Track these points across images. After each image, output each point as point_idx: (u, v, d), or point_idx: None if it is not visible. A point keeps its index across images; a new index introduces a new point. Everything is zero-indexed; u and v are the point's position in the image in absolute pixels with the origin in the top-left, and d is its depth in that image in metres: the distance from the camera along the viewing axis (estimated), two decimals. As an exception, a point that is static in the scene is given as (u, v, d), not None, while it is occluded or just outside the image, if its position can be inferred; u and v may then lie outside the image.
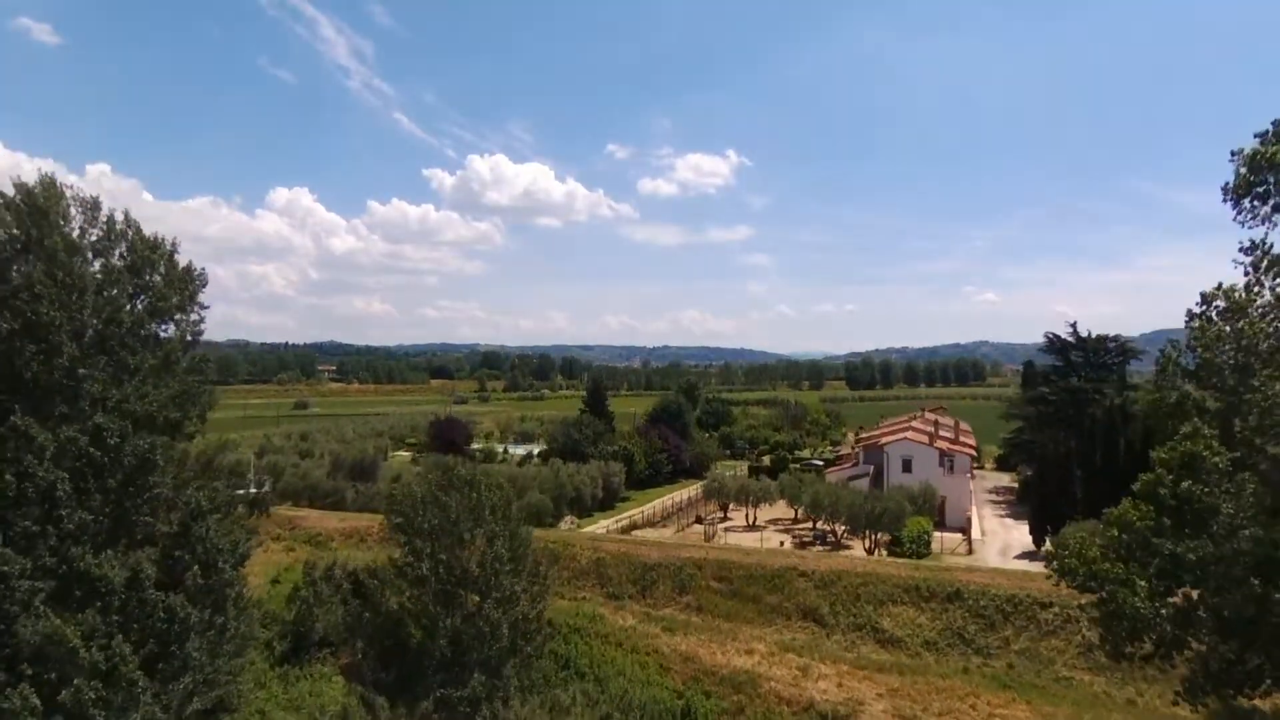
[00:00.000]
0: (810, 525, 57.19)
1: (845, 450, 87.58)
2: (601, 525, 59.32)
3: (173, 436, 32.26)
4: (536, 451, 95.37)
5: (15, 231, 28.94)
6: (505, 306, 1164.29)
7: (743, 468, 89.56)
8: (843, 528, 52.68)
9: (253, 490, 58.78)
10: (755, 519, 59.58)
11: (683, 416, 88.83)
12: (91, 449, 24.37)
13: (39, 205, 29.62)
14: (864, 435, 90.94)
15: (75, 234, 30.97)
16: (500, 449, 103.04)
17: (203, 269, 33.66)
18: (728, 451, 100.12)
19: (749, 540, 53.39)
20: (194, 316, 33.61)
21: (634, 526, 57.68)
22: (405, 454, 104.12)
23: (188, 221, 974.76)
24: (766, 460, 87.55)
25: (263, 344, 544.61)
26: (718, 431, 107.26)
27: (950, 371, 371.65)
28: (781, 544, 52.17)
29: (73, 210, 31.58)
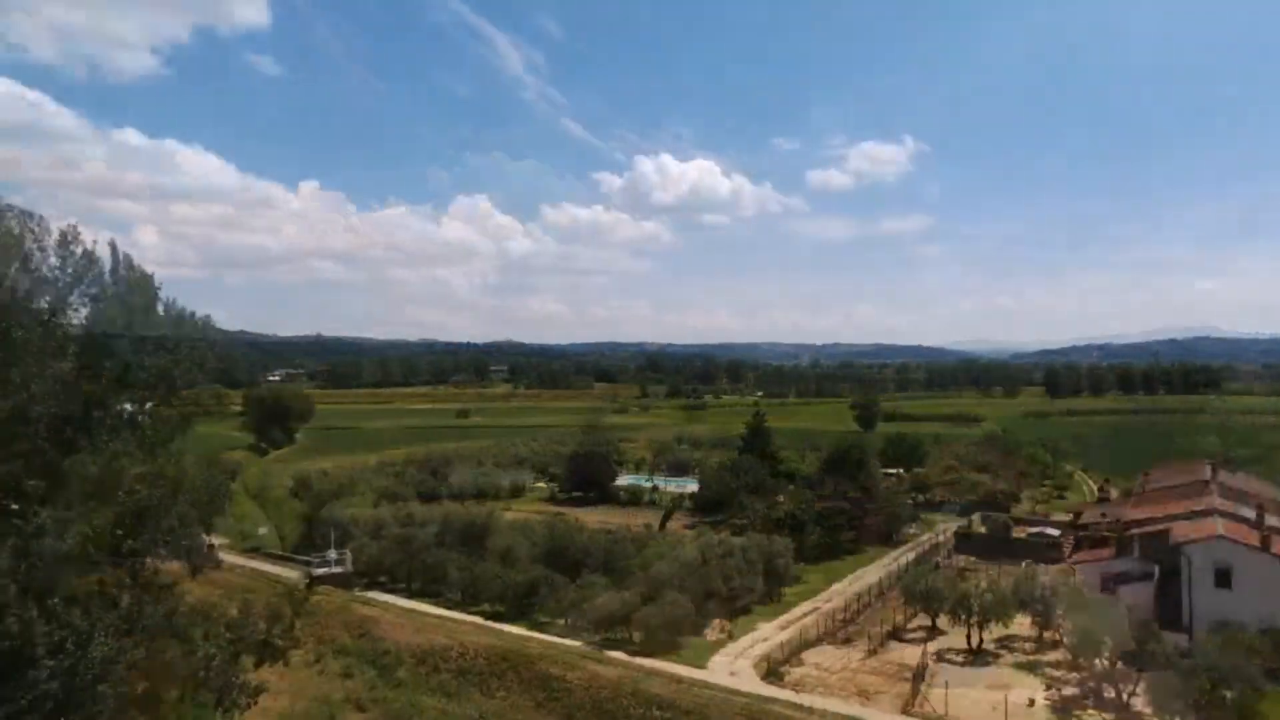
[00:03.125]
0: (1062, 655, 39.41)
1: (1084, 510, 66.89)
2: (762, 632, 44.46)
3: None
4: (690, 492, 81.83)
5: None
6: (672, 304, 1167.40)
7: (942, 524, 71.24)
8: (1136, 693, 34.56)
9: (335, 569, 49.23)
10: (981, 640, 42.23)
11: (865, 466, 71.57)
12: None
13: None
14: (1110, 496, 69.57)
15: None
16: (649, 484, 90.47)
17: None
18: (922, 499, 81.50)
19: (977, 686, 36.58)
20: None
21: (805, 644, 42.21)
22: (543, 486, 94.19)
23: (384, 230, 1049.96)
24: (977, 521, 68.54)
25: (447, 343, 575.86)
26: (908, 472, 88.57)
27: (1175, 377, 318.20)
28: (1031, 703, 34.92)
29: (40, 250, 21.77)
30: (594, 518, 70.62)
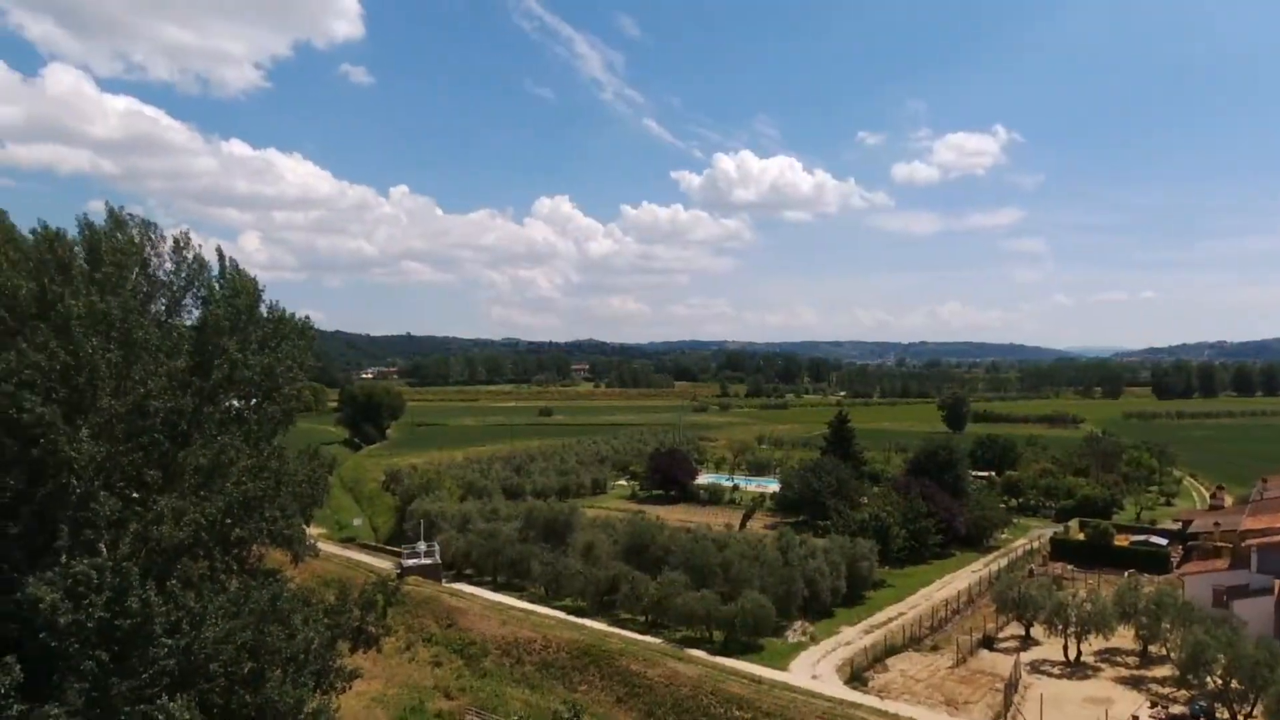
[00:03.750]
0: (1170, 671, 37.21)
1: (1195, 518, 62.89)
2: (844, 635, 43.61)
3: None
4: (770, 492, 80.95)
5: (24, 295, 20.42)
6: (753, 303, 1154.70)
7: (1036, 529, 68.29)
8: (1254, 714, 32.38)
9: (424, 561, 50.87)
10: (1079, 652, 40.28)
11: (954, 466, 69.13)
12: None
13: (60, 258, 21.19)
14: (1224, 503, 65.30)
15: (137, 285, 22.72)
16: (729, 484, 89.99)
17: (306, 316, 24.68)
18: (1014, 503, 78.29)
19: (1075, 700, 34.98)
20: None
21: (890, 649, 41.20)
22: (625, 485, 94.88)
23: (470, 231, 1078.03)
24: (1074, 527, 65.40)
25: (530, 343, 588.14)
26: (999, 475, 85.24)
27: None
28: (1134, 720, 33.15)
29: (156, 256, 23.50)
30: (674, 516, 70.72)
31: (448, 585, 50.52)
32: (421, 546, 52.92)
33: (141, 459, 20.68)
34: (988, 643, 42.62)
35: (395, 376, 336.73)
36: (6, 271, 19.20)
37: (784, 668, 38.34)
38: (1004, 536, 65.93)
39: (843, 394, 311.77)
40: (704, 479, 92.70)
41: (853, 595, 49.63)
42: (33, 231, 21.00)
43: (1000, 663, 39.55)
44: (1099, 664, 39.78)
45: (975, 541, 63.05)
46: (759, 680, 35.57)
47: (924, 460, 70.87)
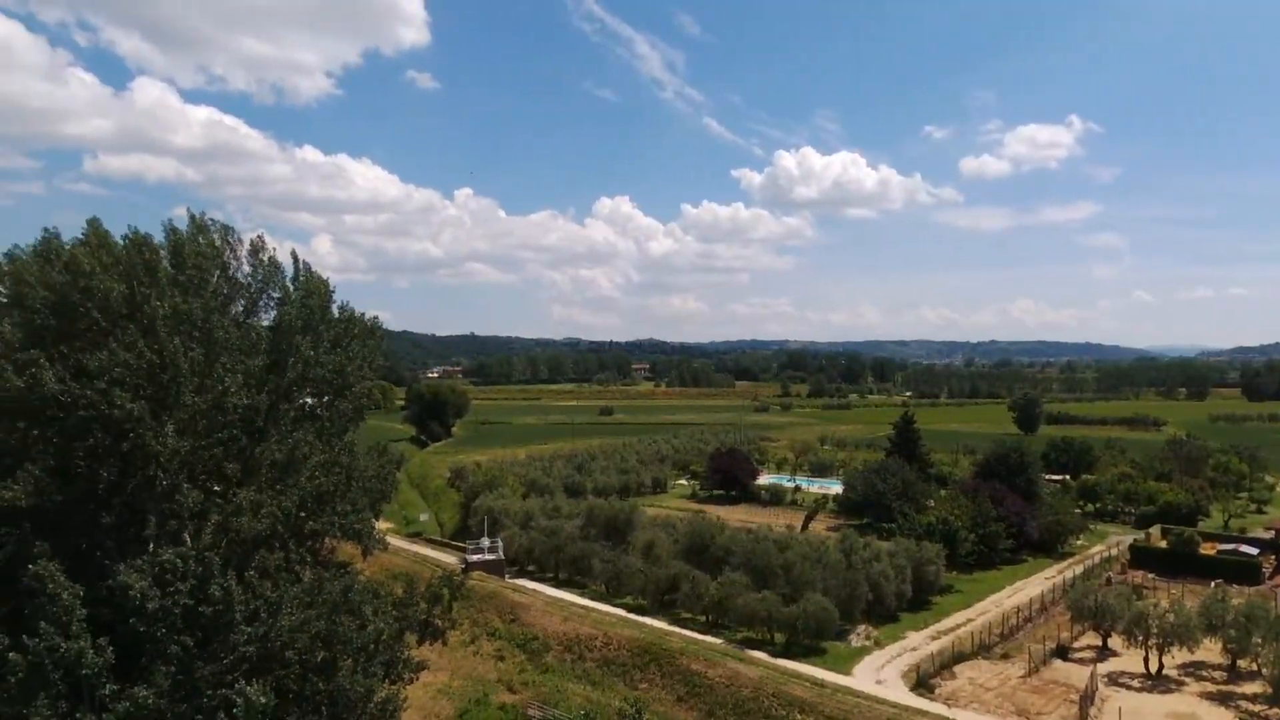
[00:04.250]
0: (1261, 688, 35.28)
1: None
2: (910, 641, 42.69)
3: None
4: (833, 493, 79.74)
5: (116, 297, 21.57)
6: (815, 301, 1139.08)
7: (1114, 536, 65.55)
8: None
9: (488, 557, 51.77)
10: (1161, 665, 38.52)
11: (1026, 470, 66.86)
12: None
13: (147, 262, 22.31)
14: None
15: (216, 285, 23.85)
16: (790, 485, 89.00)
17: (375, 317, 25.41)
18: (1091, 508, 75.34)
19: (1156, 714, 33.49)
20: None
21: (958, 656, 40.12)
22: (685, 484, 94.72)
23: (532, 232, 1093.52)
24: (1156, 534, 62.57)
25: (591, 342, 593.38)
26: (1074, 479, 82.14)
27: None
28: (1222, 738, 31.53)
29: (235, 259, 24.62)
30: (735, 516, 70.33)
31: (510, 581, 51.30)
32: (485, 542, 53.87)
33: (221, 453, 21.59)
34: (1062, 652, 41.14)
35: (460, 375, 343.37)
36: (100, 275, 20.22)
37: (847, 672, 37.75)
38: (1079, 543, 63.57)
39: (908, 394, 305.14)
40: (765, 479, 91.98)
41: (919, 600, 48.54)
42: (124, 237, 22.08)
43: (1075, 673, 38.13)
44: (1183, 678, 37.99)
45: (1048, 547, 60.94)
46: (822, 684, 35.07)
47: (994, 462, 68.79)
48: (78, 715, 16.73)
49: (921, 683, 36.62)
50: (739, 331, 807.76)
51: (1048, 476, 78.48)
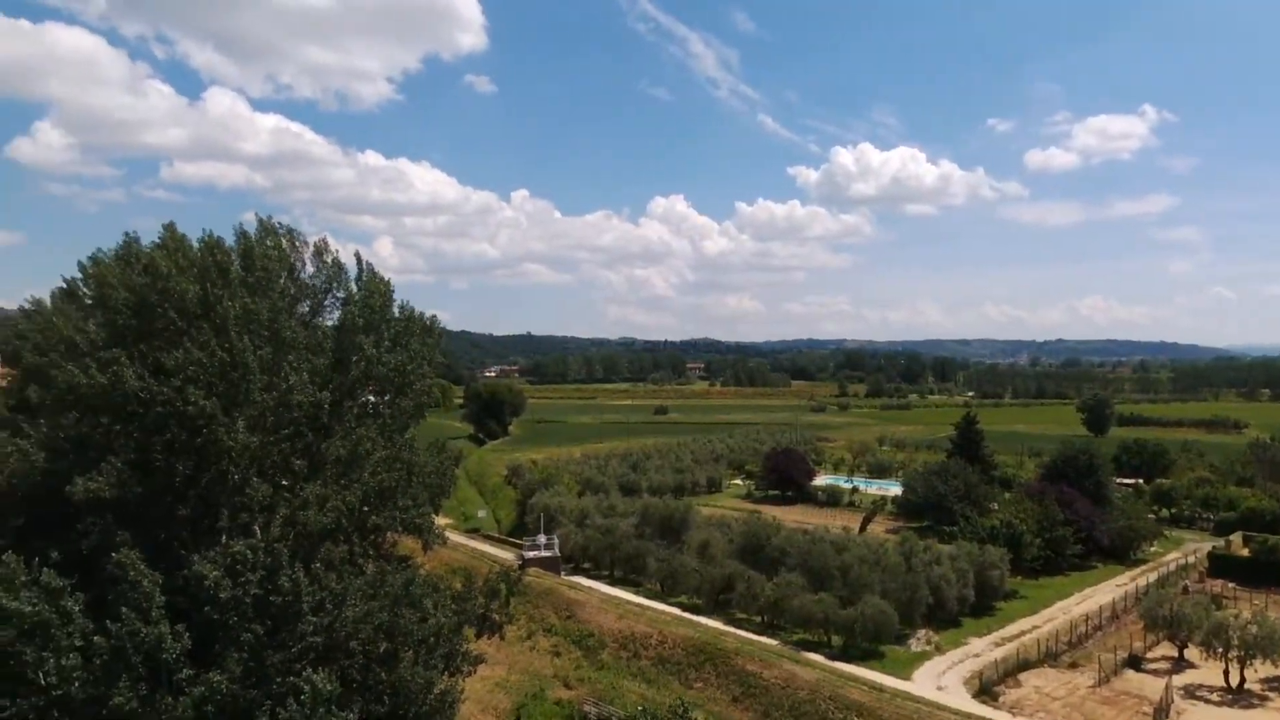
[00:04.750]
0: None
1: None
2: (973, 647, 41.66)
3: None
4: (892, 495, 78.30)
5: (190, 298, 22.56)
6: (873, 300, 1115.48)
7: (1191, 543, 62.80)
8: None
9: (544, 553, 52.35)
10: (1243, 679, 36.76)
11: (1096, 472, 64.50)
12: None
13: (220, 264, 23.26)
14: None
15: (285, 288, 24.75)
16: (848, 485, 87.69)
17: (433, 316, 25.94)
18: (1166, 513, 72.33)
19: (1237, 731, 32.01)
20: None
21: (1023, 664, 38.96)
22: (740, 484, 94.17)
23: (587, 232, 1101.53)
24: (1237, 541, 59.73)
25: (646, 341, 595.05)
26: (1148, 483, 78.95)
27: None
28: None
29: (300, 261, 25.56)
30: (791, 517, 69.61)
31: (566, 578, 51.76)
32: (542, 539, 54.46)
33: (289, 449, 22.33)
34: (1134, 662, 39.62)
35: (517, 375, 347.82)
36: (176, 277, 21.11)
37: (906, 677, 37.01)
38: (1153, 549, 61.09)
39: (970, 394, 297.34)
40: (822, 480, 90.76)
41: (981, 605, 47.31)
42: (198, 240, 23.03)
43: (1148, 684, 36.70)
44: (1267, 693, 36.23)
45: (1120, 553, 58.72)
46: (880, 688, 34.47)
47: (1061, 465, 66.53)
48: (157, 697, 17.50)
49: (985, 690, 35.68)
50: (795, 331, 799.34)
51: (1119, 480, 75.66)
